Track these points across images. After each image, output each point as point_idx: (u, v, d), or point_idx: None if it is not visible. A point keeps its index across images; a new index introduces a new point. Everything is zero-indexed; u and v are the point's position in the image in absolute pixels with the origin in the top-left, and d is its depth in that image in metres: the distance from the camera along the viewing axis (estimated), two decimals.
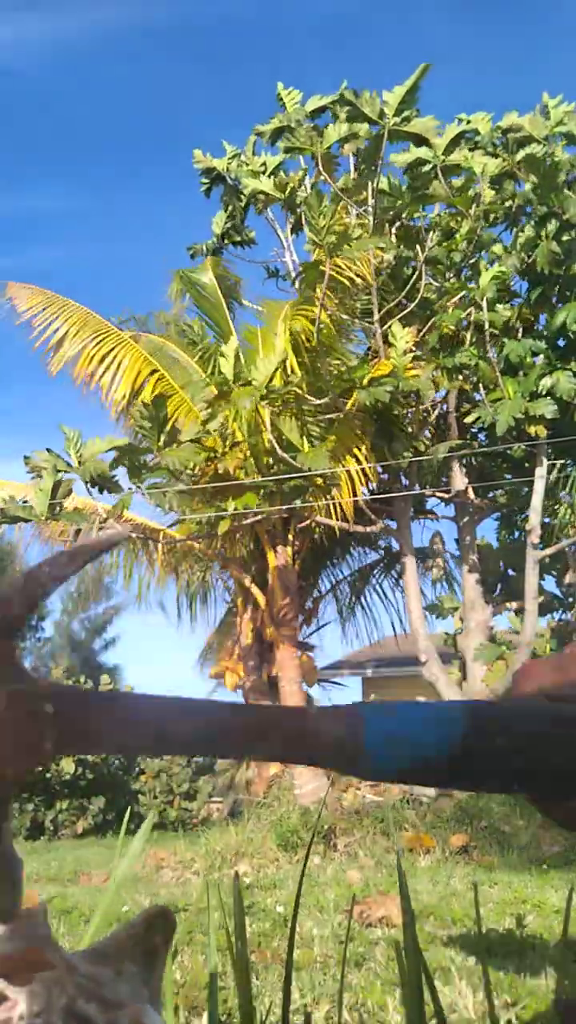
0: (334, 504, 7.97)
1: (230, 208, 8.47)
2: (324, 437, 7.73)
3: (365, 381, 6.91)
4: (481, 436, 8.52)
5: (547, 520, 8.20)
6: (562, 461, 8.01)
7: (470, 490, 8.27)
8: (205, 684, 15.15)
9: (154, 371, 8.89)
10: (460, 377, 7.39)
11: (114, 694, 0.41)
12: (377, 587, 11.98)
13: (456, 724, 0.39)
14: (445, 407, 8.42)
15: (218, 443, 7.14)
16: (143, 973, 0.39)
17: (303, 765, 0.40)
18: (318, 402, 7.52)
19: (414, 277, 7.43)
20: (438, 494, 8.83)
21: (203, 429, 6.80)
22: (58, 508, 6.46)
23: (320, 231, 6.28)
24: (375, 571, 11.57)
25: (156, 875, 5.75)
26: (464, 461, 8.19)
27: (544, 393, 6.88)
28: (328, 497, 7.88)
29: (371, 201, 7.23)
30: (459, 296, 7.30)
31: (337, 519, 8.08)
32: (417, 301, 7.39)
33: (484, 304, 6.87)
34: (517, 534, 8.80)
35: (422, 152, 6.66)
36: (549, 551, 7.76)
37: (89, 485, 6.50)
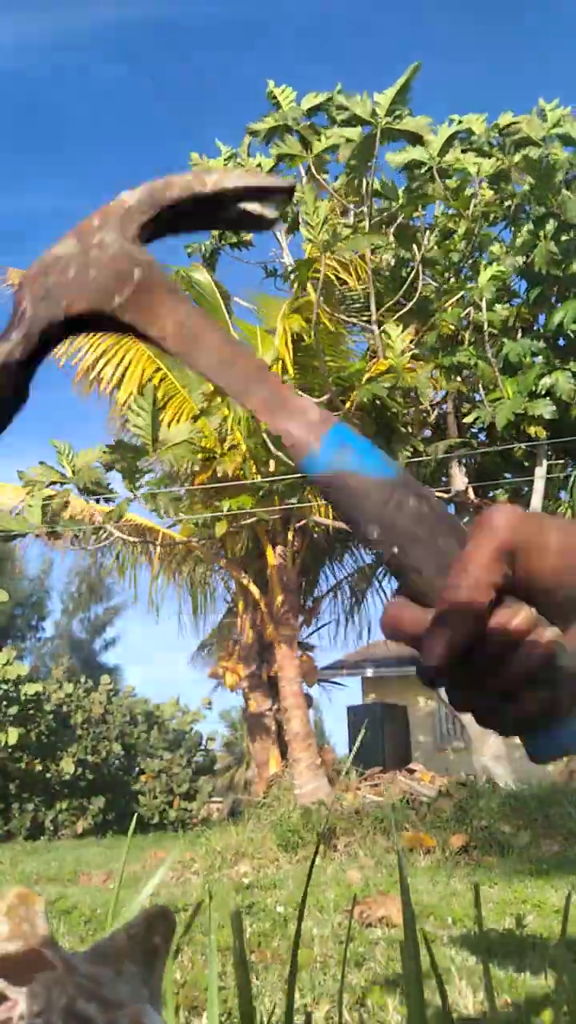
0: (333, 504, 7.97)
1: None
2: None
3: (363, 380, 6.91)
4: (481, 436, 8.52)
5: None
6: (562, 461, 8.02)
7: (470, 490, 8.28)
8: (205, 684, 15.12)
9: (158, 369, 8.90)
10: (459, 377, 7.39)
11: None
12: (377, 587, 11.99)
13: (391, 471, 0.42)
14: (444, 407, 8.43)
15: (216, 445, 7.15)
16: (143, 973, 0.39)
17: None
18: (316, 401, 7.52)
19: (411, 277, 7.44)
20: (438, 494, 8.80)
21: (195, 428, 6.80)
22: (53, 516, 6.48)
23: (314, 227, 6.28)
24: (375, 570, 11.58)
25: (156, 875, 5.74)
26: (464, 461, 8.19)
27: (543, 393, 6.89)
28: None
29: (366, 201, 7.23)
30: (458, 296, 7.30)
31: (335, 519, 8.09)
32: (415, 301, 7.39)
33: (483, 304, 6.88)
34: None
35: (418, 153, 6.66)
36: None
37: (84, 494, 6.57)
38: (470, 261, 7.35)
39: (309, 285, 7.15)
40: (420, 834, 6.08)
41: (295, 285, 7.69)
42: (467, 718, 7.84)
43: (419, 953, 0.65)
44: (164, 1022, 0.38)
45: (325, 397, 7.48)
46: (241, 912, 0.71)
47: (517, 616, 0.40)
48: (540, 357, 7.18)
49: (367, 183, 7.07)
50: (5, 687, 11.98)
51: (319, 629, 11.57)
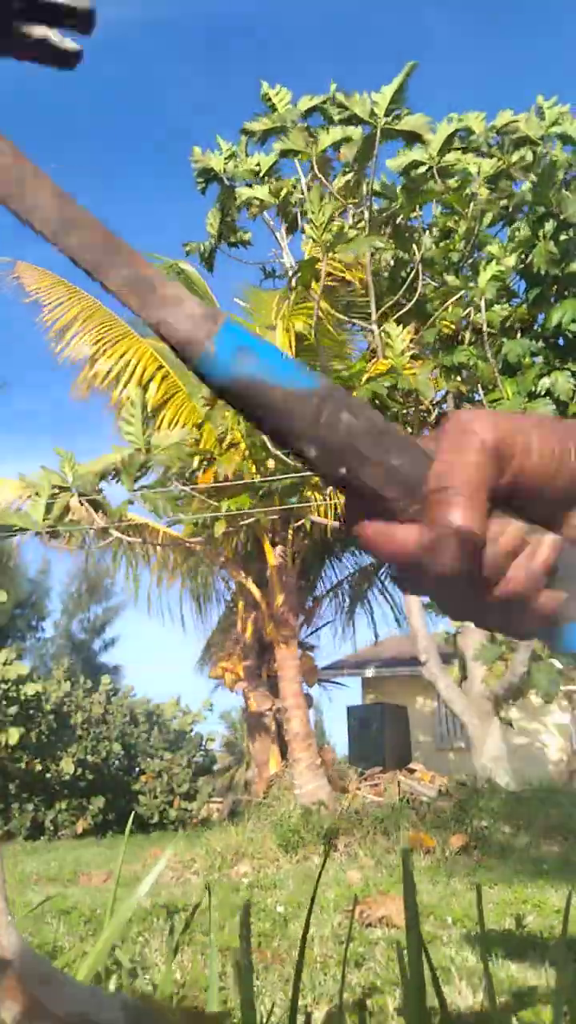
0: (332, 504, 7.97)
1: (226, 208, 8.47)
2: None
3: (363, 379, 6.91)
4: None
5: None
6: None
7: None
8: (205, 683, 15.12)
9: (160, 367, 8.91)
10: (459, 378, 7.39)
11: None
12: (377, 586, 11.99)
13: (311, 380, 0.38)
14: (444, 407, 8.42)
15: (215, 446, 7.15)
16: None
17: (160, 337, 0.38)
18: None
19: (411, 277, 7.44)
20: None
21: (189, 432, 6.82)
22: (57, 517, 6.51)
23: (319, 227, 6.28)
24: (376, 570, 11.58)
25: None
26: None
27: (543, 393, 6.88)
28: (325, 496, 7.88)
29: (366, 202, 7.24)
30: (458, 296, 7.30)
31: (335, 519, 8.09)
32: (415, 301, 7.39)
33: (482, 304, 6.88)
34: None
35: (417, 154, 6.66)
36: None
37: (83, 504, 6.63)
38: (469, 261, 7.35)
39: (314, 284, 7.14)
40: (420, 834, 6.07)
41: (296, 286, 7.69)
42: (468, 719, 7.84)
43: (421, 953, 0.65)
44: None
45: None
46: (248, 908, 0.71)
47: (509, 527, 0.38)
48: (539, 357, 7.18)
49: (367, 183, 7.07)
50: (5, 687, 11.97)
51: (319, 629, 11.56)
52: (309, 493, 7.68)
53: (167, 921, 3.38)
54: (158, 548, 9.94)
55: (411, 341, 7.39)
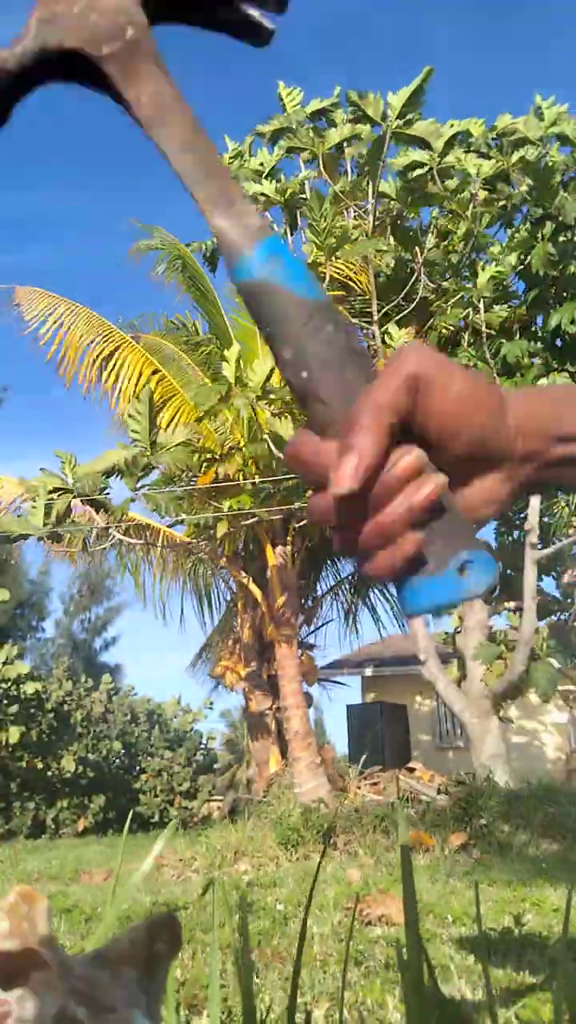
0: None
1: None
2: None
3: None
4: None
5: (546, 519, 8.22)
6: None
7: None
8: (206, 683, 15.17)
9: (155, 371, 8.91)
10: None
11: None
12: (377, 586, 12.00)
13: (316, 293, 0.42)
14: None
15: (216, 446, 7.16)
16: (142, 979, 0.39)
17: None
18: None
19: (412, 279, 7.45)
20: None
21: (193, 430, 6.83)
22: (57, 521, 6.52)
23: (320, 232, 6.30)
24: None
25: (157, 873, 5.76)
26: None
27: None
28: None
29: (371, 203, 7.25)
30: (457, 297, 7.31)
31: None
32: (415, 302, 7.41)
33: (481, 305, 6.89)
34: (516, 534, 8.82)
35: (418, 155, 6.68)
36: (548, 551, 7.78)
37: (85, 504, 6.64)
38: (468, 262, 7.37)
39: None
40: (419, 833, 6.09)
41: None
42: (467, 718, 7.85)
43: (421, 951, 0.67)
44: None
45: None
46: (244, 904, 0.72)
47: (408, 455, 0.40)
48: (538, 359, 7.19)
49: (374, 185, 7.09)
50: (6, 686, 11.99)
51: (319, 629, 11.58)
52: (310, 494, 7.69)
53: None
54: (159, 548, 9.95)
55: (409, 342, 7.41)
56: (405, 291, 7.44)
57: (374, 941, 3.05)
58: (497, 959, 2.66)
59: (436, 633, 8.84)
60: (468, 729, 8.00)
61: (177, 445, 6.19)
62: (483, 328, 7.00)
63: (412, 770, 8.87)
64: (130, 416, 6.26)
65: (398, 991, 2.34)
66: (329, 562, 11.38)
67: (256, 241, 0.42)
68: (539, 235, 6.81)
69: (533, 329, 7.52)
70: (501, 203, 7.34)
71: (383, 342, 7.36)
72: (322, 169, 7.05)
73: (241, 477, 7.31)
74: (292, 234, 8.51)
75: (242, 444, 7.31)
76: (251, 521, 7.75)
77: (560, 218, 6.64)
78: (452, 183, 6.97)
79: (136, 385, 8.67)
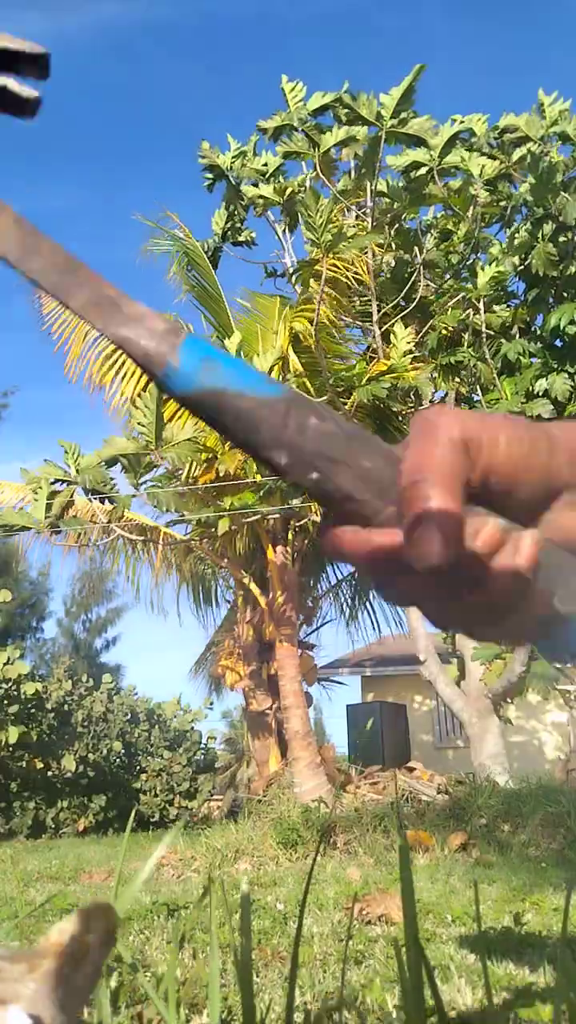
0: None
1: (231, 207, 8.47)
2: None
3: (364, 380, 6.93)
4: None
5: None
6: None
7: None
8: (206, 682, 15.18)
9: None
10: (458, 379, 7.41)
11: None
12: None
13: (276, 388, 0.38)
14: None
15: (218, 444, 7.17)
16: (67, 972, 0.37)
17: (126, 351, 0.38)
18: (316, 401, 7.54)
19: (412, 279, 7.45)
20: None
21: (198, 426, 6.84)
22: (58, 514, 6.53)
23: (317, 229, 6.30)
24: None
25: (157, 873, 5.77)
26: None
27: (540, 394, 6.91)
28: None
29: (369, 203, 7.26)
30: (457, 297, 7.32)
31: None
32: (416, 302, 7.41)
33: (481, 305, 6.90)
34: None
35: (418, 155, 6.68)
36: None
37: (89, 494, 6.64)
38: (469, 262, 7.37)
39: (313, 285, 7.16)
40: (419, 832, 6.10)
41: (297, 287, 7.71)
42: (467, 717, 7.86)
43: (421, 951, 0.67)
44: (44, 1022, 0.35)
45: (326, 397, 7.50)
46: (246, 903, 0.73)
47: (485, 524, 0.37)
48: (537, 359, 7.20)
49: (371, 185, 7.09)
50: (6, 686, 12.00)
51: (319, 628, 11.58)
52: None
53: (168, 919, 3.41)
54: (160, 547, 9.96)
55: (412, 343, 7.41)
56: (405, 291, 7.45)
57: (374, 940, 3.06)
58: (497, 959, 2.67)
59: (436, 633, 8.86)
60: (467, 729, 8.00)
61: (183, 441, 6.20)
62: (483, 328, 7.01)
63: (412, 770, 8.88)
64: (137, 408, 6.27)
65: (398, 991, 2.35)
66: (329, 562, 11.38)
67: (176, 346, 0.37)
68: (539, 235, 6.82)
69: (533, 329, 7.54)
70: (502, 203, 7.35)
71: (384, 342, 7.37)
72: (319, 172, 7.05)
73: (243, 474, 7.32)
74: (294, 234, 8.52)
75: None
76: (253, 519, 7.76)
77: (561, 218, 6.65)
78: (455, 183, 6.97)
79: (136, 384, 8.69)
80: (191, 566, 10.95)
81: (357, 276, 7.95)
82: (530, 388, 6.96)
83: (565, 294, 7.17)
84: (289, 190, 7.27)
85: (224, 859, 6.01)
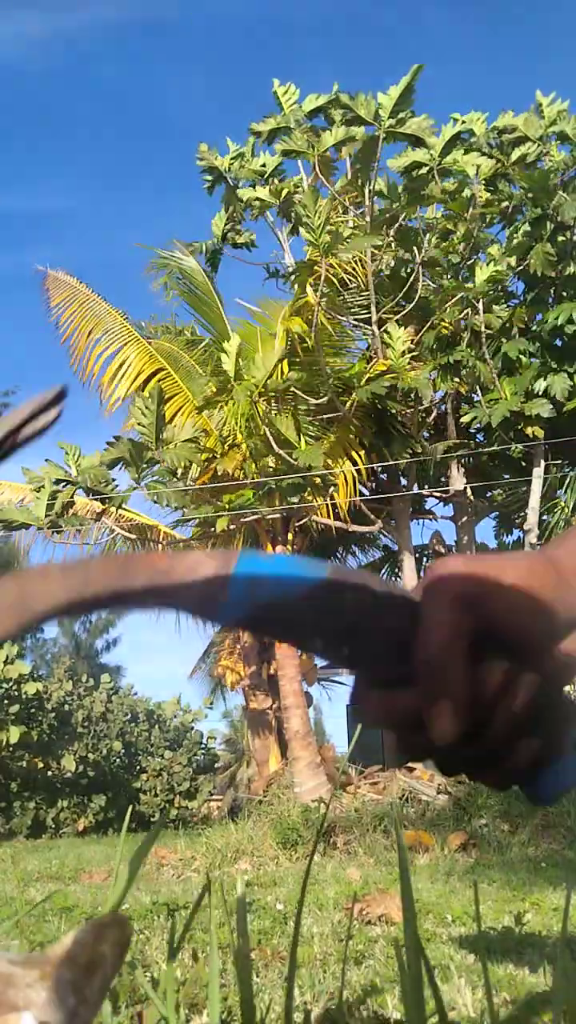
0: (333, 504, 7.99)
1: (230, 209, 8.47)
2: (322, 437, 7.75)
3: (363, 380, 6.93)
4: (479, 436, 8.55)
5: (545, 518, 8.23)
6: (559, 461, 8.04)
7: (468, 490, 8.29)
8: (206, 682, 15.18)
9: (160, 369, 8.93)
10: (457, 378, 7.41)
11: None
12: None
13: (320, 571, 0.39)
14: (443, 407, 8.44)
15: (217, 444, 7.17)
16: (79, 981, 0.37)
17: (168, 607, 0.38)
18: (316, 402, 7.54)
19: (411, 278, 7.45)
20: (436, 494, 8.85)
21: (198, 426, 6.85)
22: (59, 512, 6.53)
23: (315, 230, 6.30)
24: (377, 570, 11.59)
25: (157, 873, 5.77)
26: (462, 461, 8.21)
27: (539, 393, 6.91)
28: (326, 496, 7.89)
29: (368, 203, 7.25)
30: (456, 297, 7.32)
31: (336, 519, 8.10)
32: (415, 302, 7.41)
33: (480, 305, 6.90)
34: (515, 533, 8.83)
35: (418, 155, 6.67)
36: None
37: (89, 494, 6.66)
38: (468, 262, 7.37)
39: (309, 287, 7.17)
40: (419, 832, 6.10)
41: (295, 287, 7.71)
42: None
43: (420, 951, 0.67)
44: None
45: (325, 398, 7.49)
46: (244, 903, 0.73)
47: (489, 674, 0.40)
48: (536, 359, 7.21)
49: (370, 184, 7.08)
50: (7, 686, 12.00)
51: None
52: (310, 497, 7.69)
53: (167, 919, 3.41)
54: (160, 547, 9.96)
55: (411, 342, 7.41)
56: (404, 291, 7.44)
57: (374, 940, 3.06)
58: (497, 959, 2.67)
59: None
60: None
61: (183, 442, 6.21)
62: (482, 327, 7.01)
63: (412, 770, 8.87)
64: (138, 409, 6.28)
65: (398, 990, 2.35)
66: (329, 561, 11.38)
67: (224, 585, 0.37)
68: (538, 235, 6.82)
69: (532, 329, 7.54)
70: (503, 204, 7.35)
71: (382, 342, 7.36)
72: (318, 171, 7.04)
73: (242, 475, 7.32)
74: (294, 236, 8.52)
75: (239, 439, 7.32)
76: (252, 519, 7.76)
77: (559, 218, 6.65)
78: (451, 185, 6.97)
79: (134, 383, 8.69)
80: None
81: (356, 276, 7.95)
82: (529, 387, 6.97)
83: (564, 294, 7.18)
84: (285, 191, 7.26)
85: (224, 859, 6.01)
